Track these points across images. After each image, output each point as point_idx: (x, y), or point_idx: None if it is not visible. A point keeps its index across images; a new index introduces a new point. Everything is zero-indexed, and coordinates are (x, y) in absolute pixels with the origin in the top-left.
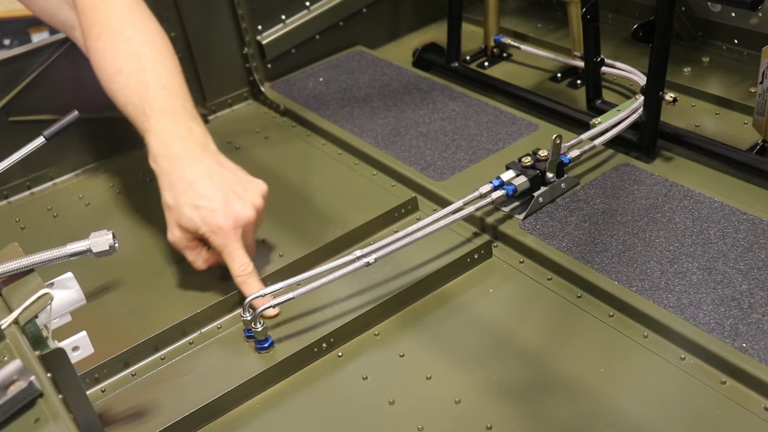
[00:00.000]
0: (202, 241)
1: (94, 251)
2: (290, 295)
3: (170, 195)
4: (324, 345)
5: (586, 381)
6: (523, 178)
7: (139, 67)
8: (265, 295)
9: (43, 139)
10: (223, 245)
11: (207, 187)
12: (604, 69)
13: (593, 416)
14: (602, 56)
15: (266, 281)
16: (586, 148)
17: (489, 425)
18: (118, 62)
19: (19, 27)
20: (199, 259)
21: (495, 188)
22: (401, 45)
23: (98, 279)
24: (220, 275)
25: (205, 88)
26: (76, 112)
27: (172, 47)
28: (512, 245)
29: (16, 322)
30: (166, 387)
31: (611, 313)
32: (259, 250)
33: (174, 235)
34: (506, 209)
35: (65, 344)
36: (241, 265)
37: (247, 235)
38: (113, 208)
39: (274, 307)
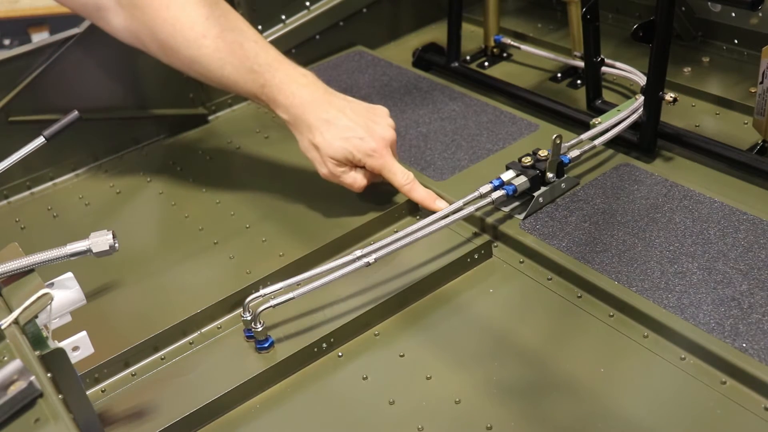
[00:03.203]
0: (356, 166)
1: (94, 251)
2: (290, 295)
3: (315, 135)
4: (324, 345)
5: (586, 381)
6: (523, 178)
7: (223, 28)
8: (265, 295)
9: (43, 139)
10: (381, 165)
11: (346, 121)
12: (604, 69)
13: (593, 416)
14: (602, 56)
15: (266, 281)
16: (586, 148)
17: (489, 425)
18: (198, 27)
19: (19, 27)
20: (357, 180)
21: (495, 188)
22: (401, 45)
23: (98, 279)
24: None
25: (205, 88)
26: (76, 112)
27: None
28: (512, 245)
29: (16, 322)
30: (166, 387)
31: (611, 313)
32: (258, 250)
33: (327, 168)
34: (506, 209)
35: (65, 344)
36: (403, 176)
37: (394, 151)
38: (113, 208)
39: (274, 307)
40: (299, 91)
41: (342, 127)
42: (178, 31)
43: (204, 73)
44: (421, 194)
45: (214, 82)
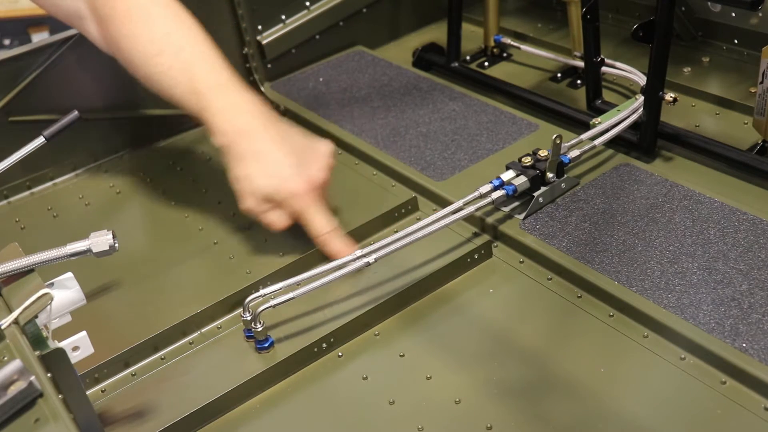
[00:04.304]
0: (279, 205)
1: (94, 251)
2: (290, 295)
3: (241, 168)
4: (324, 345)
5: (586, 381)
6: (523, 178)
7: (179, 47)
8: (265, 295)
9: (43, 139)
10: (301, 209)
11: (277, 155)
12: (604, 69)
13: (593, 416)
14: (602, 56)
15: (266, 281)
16: (586, 148)
17: (489, 425)
18: (155, 44)
19: (19, 27)
20: (277, 221)
21: (495, 188)
22: (401, 45)
23: (98, 279)
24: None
25: None
26: (76, 112)
27: (196, 21)
28: (512, 245)
29: (16, 322)
30: (166, 387)
31: (611, 313)
32: (258, 250)
33: (248, 203)
34: (506, 209)
35: (65, 344)
36: (320, 225)
37: (322, 195)
38: (113, 208)
39: (274, 307)
40: (236, 119)
41: (270, 162)
42: (137, 47)
43: (158, 90)
44: (337, 247)
45: (167, 99)
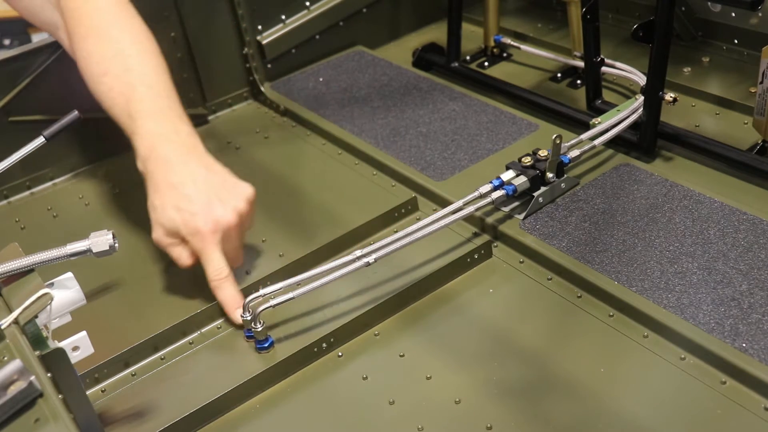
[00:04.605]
0: (185, 240)
1: (94, 251)
2: (290, 295)
3: (156, 197)
4: (324, 345)
5: (586, 381)
6: (523, 178)
7: (126, 68)
8: (265, 295)
9: (43, 139)
10: (200, 249)
11: (190, 190)
12: (604, 69)
13: (593, 416)
14: (602, 56)
15: (266, 281)
16: (586, 148)
17: (489, 425)
18: (104, 63)
19: (19, 27)
20: (181, 257)
21: (495, 188)
22: (401, 45)
23: (98, 279)
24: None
25: (205, 88)
26: (76, 112)
27: (157, 46)
28: (512, 245)
29: (16, 322)
30: (166, 387)
31: (611, 313)
32: (259, 250)
33: (157, 234)
34: (506, 209)
35: (65, 344)
36: (215, 269)
37: (229, 239)
38: (113, 208)
39: (274, 307)
40: (160, 148)
41: (182, 196)
42: (87, 64)
43: (103, 109)
44: (225, 296)
45: (111, 119)
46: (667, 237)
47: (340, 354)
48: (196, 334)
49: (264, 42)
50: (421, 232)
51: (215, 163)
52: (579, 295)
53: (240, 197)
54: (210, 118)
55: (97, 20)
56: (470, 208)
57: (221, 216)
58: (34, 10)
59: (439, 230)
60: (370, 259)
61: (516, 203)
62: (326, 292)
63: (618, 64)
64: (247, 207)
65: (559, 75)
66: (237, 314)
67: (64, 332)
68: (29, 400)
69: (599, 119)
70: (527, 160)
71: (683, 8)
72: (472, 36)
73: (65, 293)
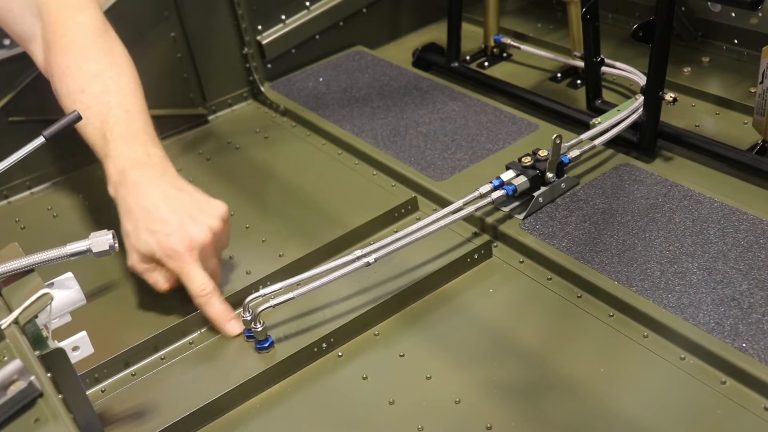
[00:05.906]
0: (161, 264)
1: (94, 251)
2: (290, 295)
3: (128, 222)
4: (324, 345)
5: (586, 381)
6: (523, 178)
7: (103, 89)
8: (265, 295)
9: (43, 139)
10: (179, 268)
11: (163, 212)
12: (604, 69)
13: (593, 416)
14: (602, 56)
15: (266, 281)
16: (586, 148)
17: (489, 425)
18: (81, 81)
19: None
20: (158, 282)
21: (495, 188)
22: (401, 45)
23: (98, 279)
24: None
25: (205, 88)
26: (76, 112)
27: (135, 70)
28: (512, 245)
29: (16, 322)
30: (166, 387)
31: (611, 313)
32: (258, 250)
33: (132, 260)
34: (506, 209)
35: (65, 344)
36: (199, 286)
37: (206, 257)
38: (113, 208)
39: (274, 307)
40: (131, 172)
41: (154, 219)
42: (65, 80)
43: (77, 126)
44: (214, 311)
45: (82, 136)
46: (667, 237)
47: (340, 354)
48: (196, 334)
49: (264, 42)
50: (421, 232)
51: (186, 184)
52: (579, 295)
53: (213, 215)
54: (210, 118)
55: (78, 37)
56: (470, 208)
57: (196, 234)
58: (10, 20)
59: (439, 230)
60: (370, 259)
61: (516, 203)
62: (326, 292)
63: (618, 64)
64: (221, 225)
65: (559, 75)
66: (229, 328)
67: (64, 332)
68: (29, 400)
69: (599, 119)
70: (527, 160)
71: (683, 8)
72: (472, 36)
73: (65, 293)
